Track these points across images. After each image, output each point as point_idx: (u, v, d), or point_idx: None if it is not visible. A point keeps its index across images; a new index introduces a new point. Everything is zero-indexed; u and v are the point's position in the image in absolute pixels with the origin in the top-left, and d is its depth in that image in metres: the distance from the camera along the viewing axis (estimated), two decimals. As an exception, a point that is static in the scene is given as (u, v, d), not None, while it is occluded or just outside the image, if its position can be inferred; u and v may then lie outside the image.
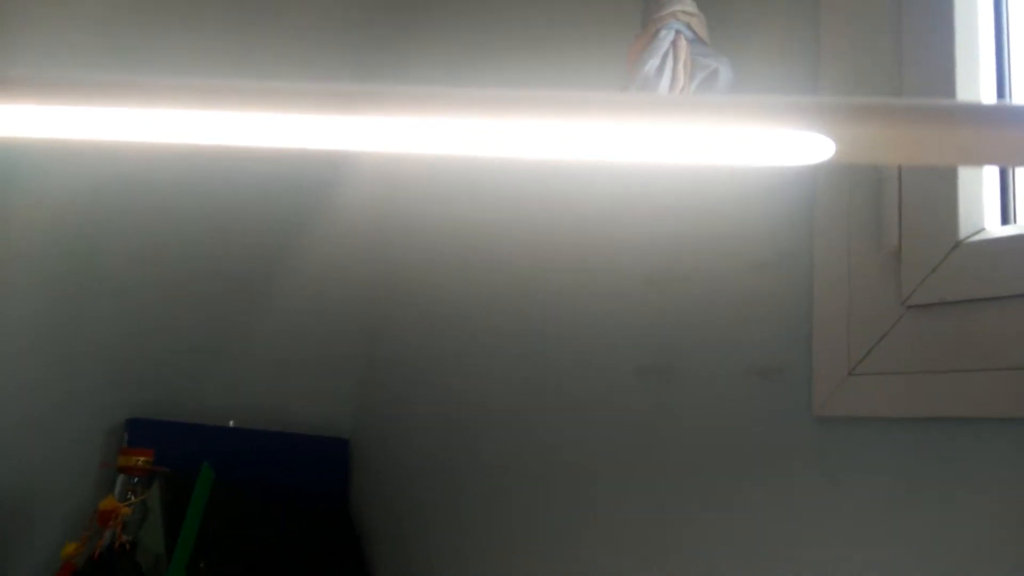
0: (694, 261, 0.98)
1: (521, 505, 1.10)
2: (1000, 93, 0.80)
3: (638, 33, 0.96)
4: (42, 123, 0.42)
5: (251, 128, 0.42)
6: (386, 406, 1.35)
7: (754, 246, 0.92)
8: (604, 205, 1.08)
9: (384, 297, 1.40)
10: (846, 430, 0.82)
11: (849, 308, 0.82)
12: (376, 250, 1.42)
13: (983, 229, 0.77)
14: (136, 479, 1.10)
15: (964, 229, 0.77)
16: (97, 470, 1.16)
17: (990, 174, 0.79)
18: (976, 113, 0.34)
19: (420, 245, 1.35)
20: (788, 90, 0.93)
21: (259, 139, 0.43)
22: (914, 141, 0.36)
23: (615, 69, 0.99)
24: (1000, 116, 0.35)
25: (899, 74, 0.83)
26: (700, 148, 0.41)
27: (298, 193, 1.36)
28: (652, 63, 0.95)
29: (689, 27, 0.95)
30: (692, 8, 0.95)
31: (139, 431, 1.18)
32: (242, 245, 1.32)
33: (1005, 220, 0.79)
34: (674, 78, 0.95)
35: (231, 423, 1.26)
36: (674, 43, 0.95)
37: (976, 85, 0.79)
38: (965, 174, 0.77)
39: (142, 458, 1.10)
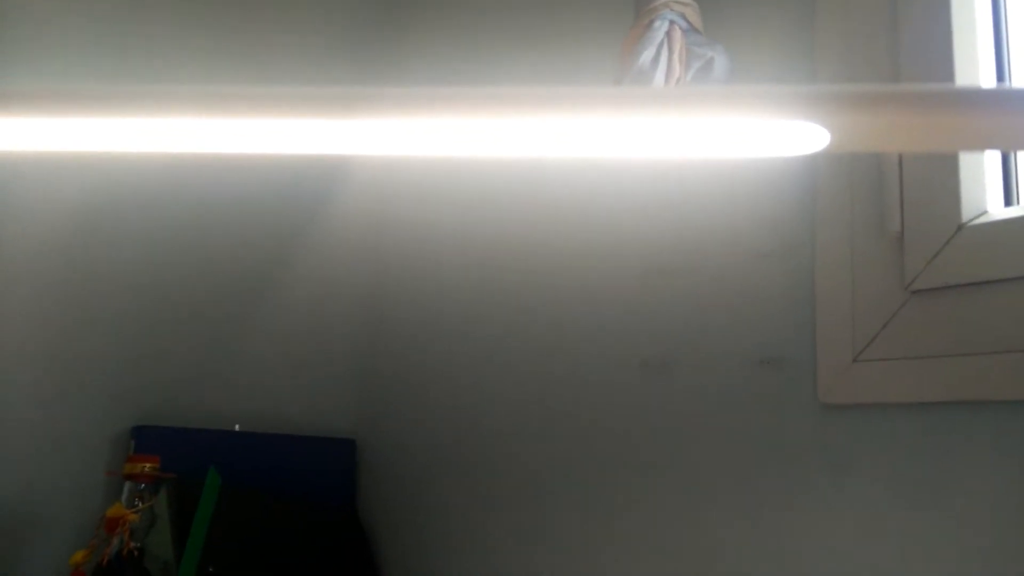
0: (695, 252, 0.97)
1: (528, 501, 1.10)
2: (1000, 76, 0.80)
3: (632, 24, 0.96)
4: (45, 136, 0.42)
5: (248, 134, 0.42)
6: (391, 405, 1.35)
7: (755, 235, 0.92)
8: (603, 199, 1.07)
9: (385, 296, 1.39)
10: (852, 417, 0.82)
11: (853, 295, 0.82)
12: (376, 250, 1.42)
13: (986, 212, 0.76)
14: (143, 486, 1.10)
15: (967, 212, 0.76)
16: (104, 477, 1.16)
17: (992, 156, 0.78)
18: (975, 98, 0.34)
19: (420, 244, 1.35)
20: (784, 78, 0.93)
21: (256, 146, 0.43)
22: (911, 128, 0.35)
23: (610, 61, 0.98)
24: (1000, 100, 0.34)
25: (896, 60, 0.82)
26: (694, 140, 0.41)
27: (297, 196, 1.36)
28: (647, 54, 0.94)
29: (683, 17, 0.95)
30: (686, -3, 0.95)
31: (145, 438, 1.18)
32: (243, 250, 1.31)
33: (1008, 202, 0.78)
34: (670, 69, 0.94)
35: (236, 427, 1.26)
36: (668, 33, 0.94)
37: (975, 69, 0.79)
38: (966, 157, 0.76)
39: (148, 465, 1.10)
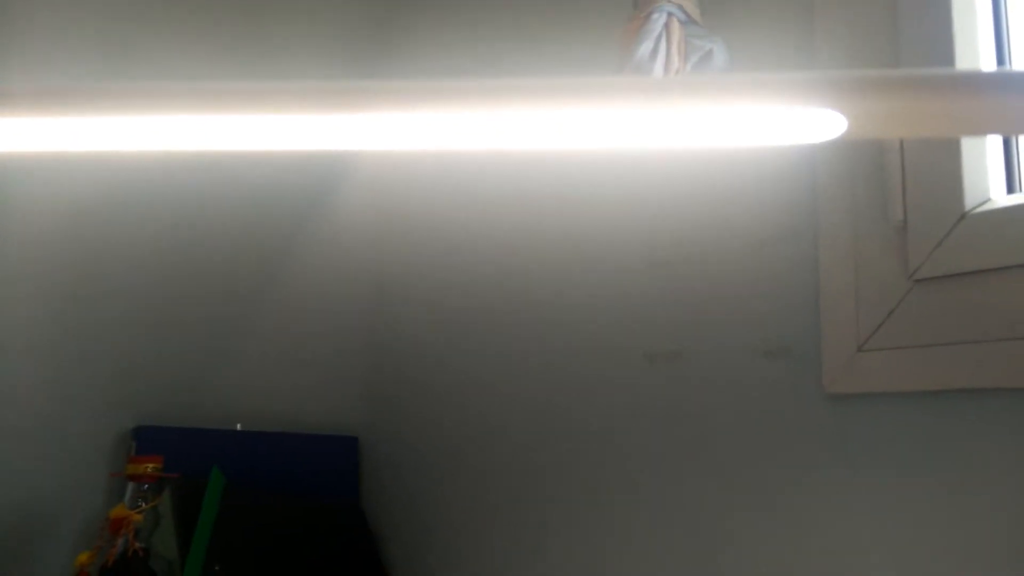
0: (697, 243, 0.97)
1: (532, 496, 1.10)
2: (1000, 62, 0.80)
3: (630, 16, 0.96)
4: (42, 136, 0.42)
5: (249, 131, 0.42)
6: (394, 402, 1.35)
7: (758, 225, 0.92)
8: (606, 190, 1.07)
9: (389, 293, 1.39)
10: (857, 406, 0.82)
11: (856, 284, 0.82)
12: (378, 247, 1.41)
13: (989, 199, 0.76)
14: (146, 486, 1.10)
15: (970, 200, 0.76)
16: (107, 478, 1.16)
17: (994, 143, 0.78)
18: (997, 82, 0.34)
19: (423, 239, 1.34)
20: (784, 69, 0.93)
21: (257, 142, 0.43)
22: (928, 113, 0.35)
23: (608, 54, 0.98)
24: (1016, 84, 0.34)
25: (897, 50, 0.82)
26: (709, 130, 0.41)
27: (299, 193, 1.36)
28: (645, 46, 0.94)
29: (681, 8, 0.94)
30: (684, -11, 0.94)
31: (147, 438, 1.18)
32: (245, 248, 1.31)
33: (1011, 189, 0.78)
34: (668, 61, 0.94)
35: (239, 426, 1.26)
36: (667, 26, 0.94)
37: (975, 56, 0.79)
38: (969, 144, 0.76)
39: (151, 465, 1.10)
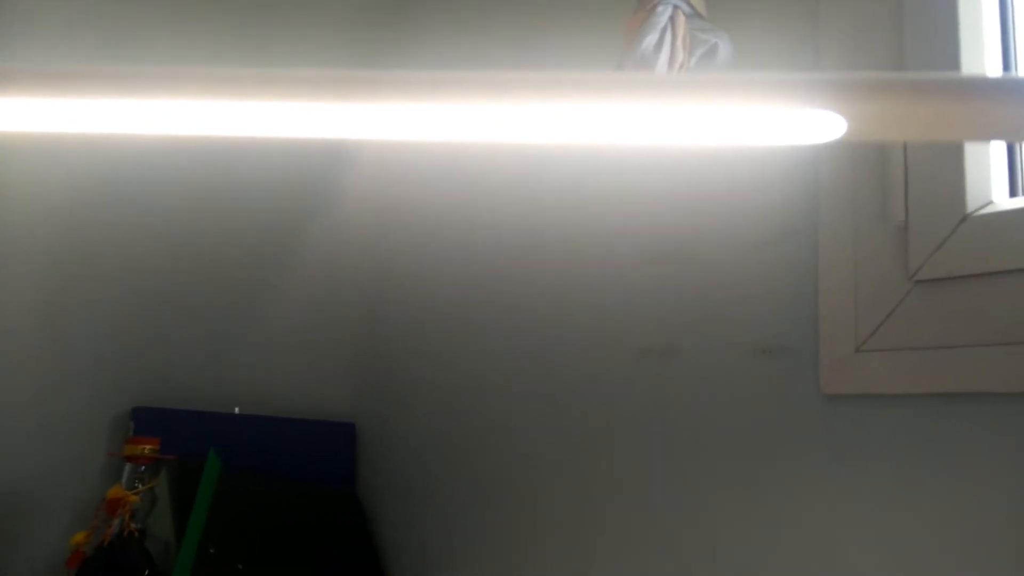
0: (697, 240, 0.97)
1: (526, 486, 1.10)
2: (1006, 67, 0.79)
3: (635, 8, 0.95)
4: (41, 116, 0.42)
5: (247, 118, 0.41)
6: (391, 388, 1.35)
7: (758, 223, 0.92)
8: (605, 185, 1.07)
9: (386, 280, 1.39)
10: (854, 407, 0.82)
11: (856, 284, 0.82)
12: (376, 234, 1.41)
13: (991, 202, 0.76)
14: (143, 467, 1.10)
15: (972, 202, 0.76)
16: (104, 459, 1.16)
17: (997, 146, 0.78)
18: (997, 87, 0.34)
19: (421, 228, 1.34)
20: (788, 65, 0.92)
21: (255, 129, 0.42)
22: (928, 117, 0.35)
23: (612, 46, 0.98)
24: (1015, 90, 0.34)
25: (901, 48, 0.82)
26: (708, 128, 0.41)
27: (297, 180, 1.36)
28: (650, 39, 0.94)
29: (687, 2, 0.94)
30: (690, -17, 0.94)
31: (145, 420, 1.18)
32: (243, 232, 1.31)
33: (1013, 192, 0.78)
34: (672, 54, 0.94)
35: (236, 410, 1.26)
36: (672, 18, 0.94)
37: (980, 58, 0.78)
38: (972, 146, 0.76)
39: (148, 446, 1.10)
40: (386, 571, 1.27)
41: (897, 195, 0.80)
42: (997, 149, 0.78)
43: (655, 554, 0.96)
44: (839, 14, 0.87)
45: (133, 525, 1.06)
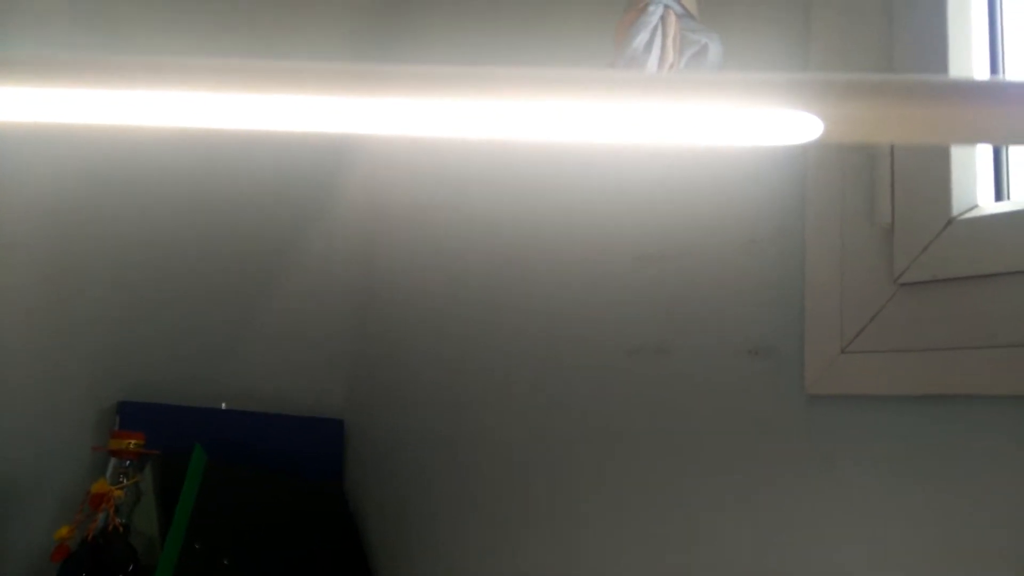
0: (684, 240, 0.97)
1: (514, 483, 1.10)
2: (993, 68, 0.80)
3: (626, 8, 0.95)
4: (36, 106, 0.41)
5: (243, 110, 0.41)
6: (380, 386, 1.35)
7: (745, 224, 0.92)
8: (593, 185, 1.07)
9: (376, 277, 1.39)
10: (839, 408, 0.82)
11: (841, 286, 0.82)
12: (367, 231, 1.41)
13: (976, 206, 0.76)
14: (128, 462, 1.10)
15: (957, 206, 0.76)
16: (89, 453, 1.16)
17: (983, 150, 0.78)
18: (972, 90, 0.34)
19: (412, 225, 1.34)
20: (778, 66, 0.92)
21: (251, 122, 0.42)
22: (905, 119, 0.35)
23: (603, 45, 0.98)
24: (996, 93, 0.34)
25: (890, 50, 0.82)
26: (684, 127, 0.41)
27: (290, 177, 1.35)
28: (641, 38, 0.93)
29: (678, 2, 0.94)
30: (682, -17, 0.94)
31: (130, 414, 1.18)
32: (233, 227, 1.31)
33: (999, 196, 0.78)
34: (663, 54, 0.94)
35: (223, 405, 1.26)
36: (663, 18, 0.93)
37: (969, 60, 0.78)
38: (958, 150, 0.76)
39: (133, 441, 1.10)
40: (372, 567, 1.27)
41: (883, 198, 0.80)
42: (983, 153, 0.78)
43: (640, 550, 0.96)
44: (829, 15, 0.87)
45: (117, 520, 1.06)
